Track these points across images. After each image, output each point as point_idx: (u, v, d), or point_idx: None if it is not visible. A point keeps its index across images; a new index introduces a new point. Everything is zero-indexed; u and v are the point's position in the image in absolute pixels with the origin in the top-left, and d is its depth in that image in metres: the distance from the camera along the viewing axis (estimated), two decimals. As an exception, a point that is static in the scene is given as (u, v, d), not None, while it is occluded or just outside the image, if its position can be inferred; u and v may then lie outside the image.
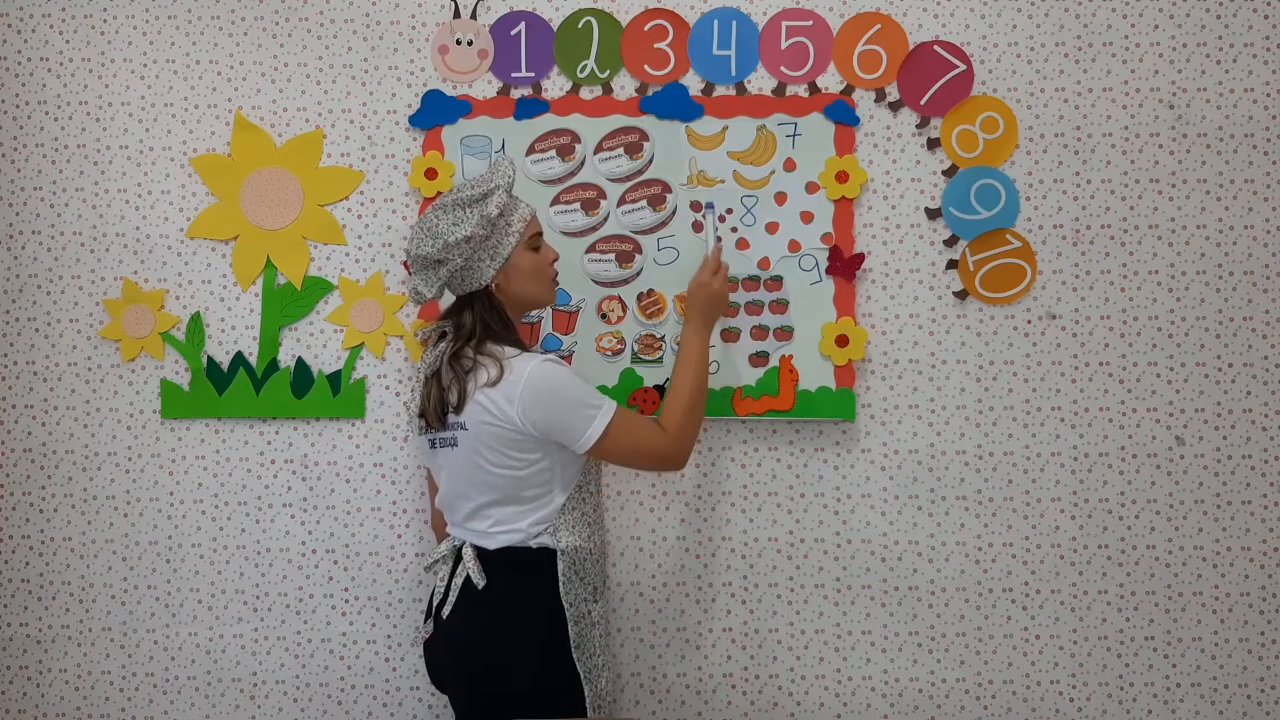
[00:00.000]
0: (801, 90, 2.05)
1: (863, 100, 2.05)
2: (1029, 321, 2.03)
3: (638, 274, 2.06)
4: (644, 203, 2.06)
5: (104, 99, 2.12)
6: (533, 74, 2.08)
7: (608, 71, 2.07)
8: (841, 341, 2.01)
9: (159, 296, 2.10)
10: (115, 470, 2.10)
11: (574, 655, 1.67)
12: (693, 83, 2.07)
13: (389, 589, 2.08)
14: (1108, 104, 2.03)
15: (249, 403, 2.08)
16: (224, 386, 2.09)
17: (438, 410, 1.67)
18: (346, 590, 2.08)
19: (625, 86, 2.08)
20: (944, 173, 2.04)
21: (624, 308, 2.05)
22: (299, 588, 2.08)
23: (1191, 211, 2.02)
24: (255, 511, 2.09)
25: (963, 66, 2.04)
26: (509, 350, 1.68)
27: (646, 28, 2.07)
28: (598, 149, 2.06)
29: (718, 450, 2.05)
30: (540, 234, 1.77)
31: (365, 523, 2.08)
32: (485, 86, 2.09)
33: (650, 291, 2.05)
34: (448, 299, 1.83)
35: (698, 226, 2.04)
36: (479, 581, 1.67)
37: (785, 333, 2.03)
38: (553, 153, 2.07)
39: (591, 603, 1.71)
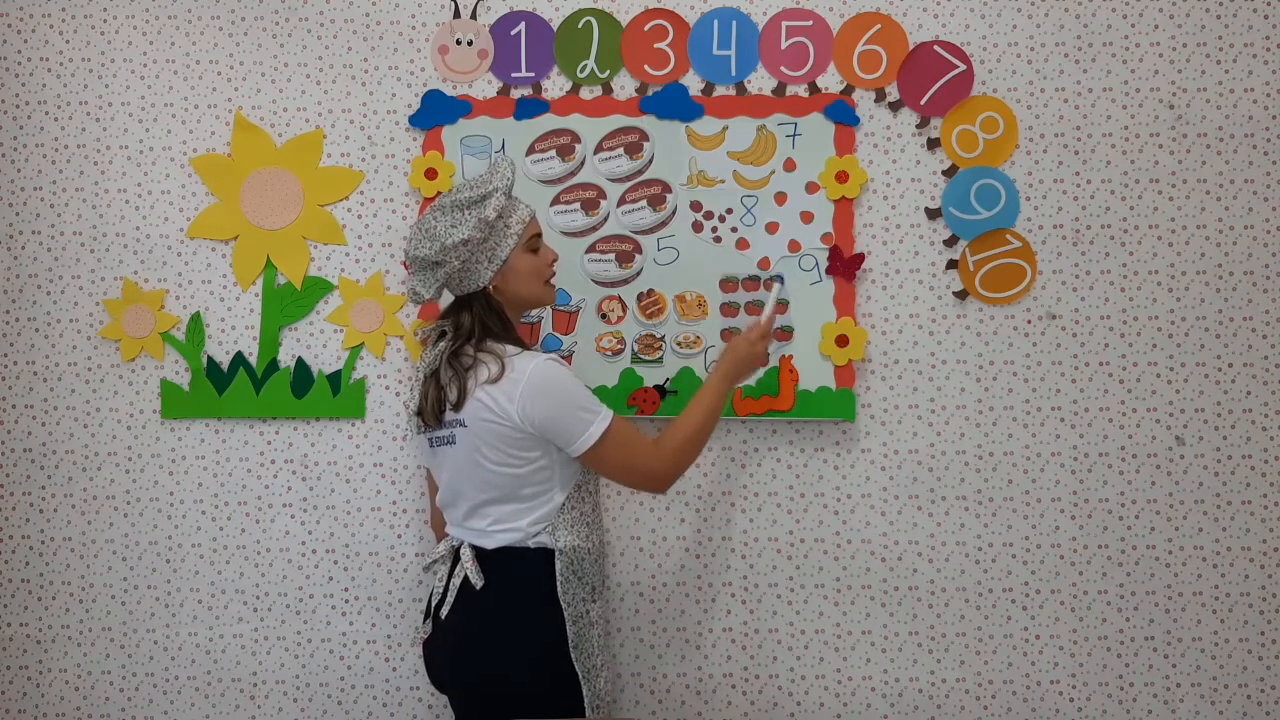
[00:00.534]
0: (801, 90, 2.05)
1: (863, 100, 2.05)
2: (1029, 321, 2.03)
3: (638, 274, 2.06)
4: (644, 203, 2.06)
5: (104, 99, 2.12)
6: (533, 74, 2.08)
7: (608, 71, 2.07)
8: (841, 341, 2.01)
9: (159, 296, 2.10)
10: (115, 470, 2.10)
11: (572, 655, 1.66)
12: (693, 83, 2.07)
13: (389, 589, 2.08)
14: (1108, 104, 2.03)
15: (249, 403, 2.08)
16: (224, 386, 2.09)
17: (435, 409, 1.67)
18: (346, 590, 2.08)
19: (625, 86, 2.08)
20: (944, 173, 2.04)
21: (624, 308, 2.05)
22: (299, 588, 2.08)
23: (1191, 211, 2.02)
24: (255, 511, 2.09)
25: (963, 66, 2.04)
26: (510, 349, 1.68)
27: (646, 28, 2.07)
28: (598, 149, 2.06)
29: (718, 450, 2.05)
30: (539, 235, 1.76)
31: (365, 523, 2.08)
32: (485, 86, 2.09)
33: (650, 291, 2.05)
34: (447, 299, 1.83)
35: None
36: (477, 582, 1.67)
37: (785, 333, 2.03)
38: (553, 153, 2.07)
39: (590, 603, 1.71)
